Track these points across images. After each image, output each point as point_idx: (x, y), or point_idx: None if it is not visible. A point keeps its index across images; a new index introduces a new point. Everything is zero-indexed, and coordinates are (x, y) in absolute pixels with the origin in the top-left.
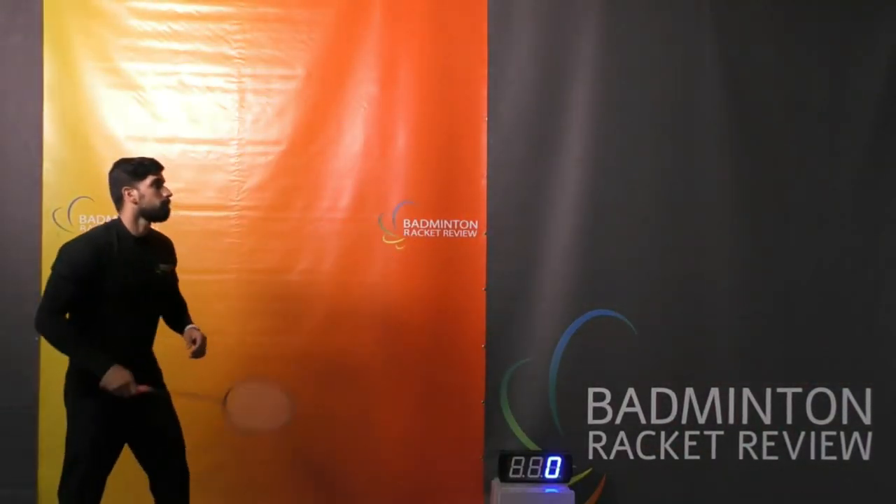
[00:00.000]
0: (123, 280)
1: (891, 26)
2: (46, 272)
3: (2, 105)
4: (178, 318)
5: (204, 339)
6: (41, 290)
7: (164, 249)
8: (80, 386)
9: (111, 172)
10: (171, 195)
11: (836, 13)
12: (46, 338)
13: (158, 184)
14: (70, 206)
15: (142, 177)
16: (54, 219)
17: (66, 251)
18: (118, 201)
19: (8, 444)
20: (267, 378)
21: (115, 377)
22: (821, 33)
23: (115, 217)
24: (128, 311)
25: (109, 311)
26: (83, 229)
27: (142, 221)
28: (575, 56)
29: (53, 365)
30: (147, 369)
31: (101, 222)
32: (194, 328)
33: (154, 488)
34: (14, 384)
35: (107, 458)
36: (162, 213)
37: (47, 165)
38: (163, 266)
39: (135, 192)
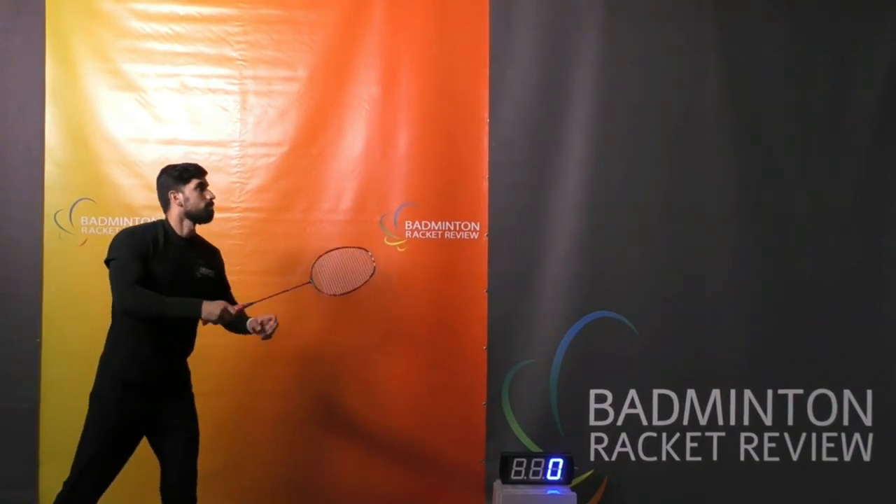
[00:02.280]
0: (167, 275)
1: (893, 28)
2: (48, 273)
3: (4, 106)
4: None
5: (274, 325)
6: (42, 291)
7: (209, 254)
8: (109, 381)
9: (158, 178)
10: (214, 198)
11: (837, 15)
12: (137, 313)
13: (202, 187)
14: (72, 207)
15: (186, 181)
16: (56, 220)
17: (122, 239)
18: (165, 204)
19: (9, 445)
20: (337, 247)
21: (212, 309)
22: (823, 35)
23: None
24: None
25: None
26: (84, 231)
27: (187, 223)
28: (576, 58)
29: (54, 365)
30: (176, 371)
31: (103, 224)
32: (259, 319)
33: (163, 486)
34: (15, 384)
35: (123, 447)
36: (206, 214)
37: (49, 167)
38: (203, 270)
39: (180, 196)
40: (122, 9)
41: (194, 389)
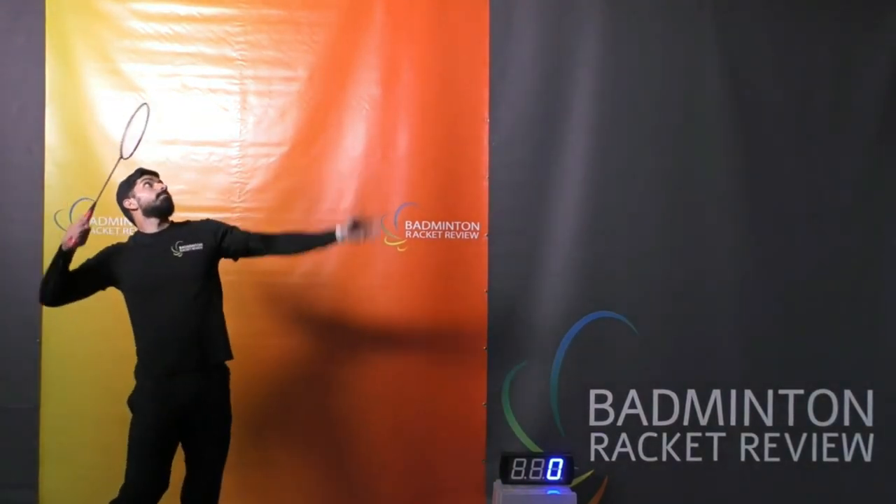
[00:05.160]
0: (136, 269)
1: (893, 26)
2: None
3: (4, 107)
4: (284, 243)
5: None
6: None
7: (190, 232)
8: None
9: (116, 196)
10: (165, 188)
11: (838, 13)
12: (44, 286)
13: (150, 182)
14: (72, 207)
15: (133, 184)
16: (56, 221)
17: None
18: (128, 215)
19: (9, 445)
20: None
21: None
22: (823, 33)
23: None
24: (160, 300)
25: (143, 305)
26: None
27: (151, 220)
28: (577, 57)
29: (54, 365)
30: (199, 356)
31: (103, 224)
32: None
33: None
34: (15, 385)
35: (162, 451)
36: (162, 204)
37: (49, 167)
38: (184, 248)
39: (133, 200)
40: (122, 9)
41: None
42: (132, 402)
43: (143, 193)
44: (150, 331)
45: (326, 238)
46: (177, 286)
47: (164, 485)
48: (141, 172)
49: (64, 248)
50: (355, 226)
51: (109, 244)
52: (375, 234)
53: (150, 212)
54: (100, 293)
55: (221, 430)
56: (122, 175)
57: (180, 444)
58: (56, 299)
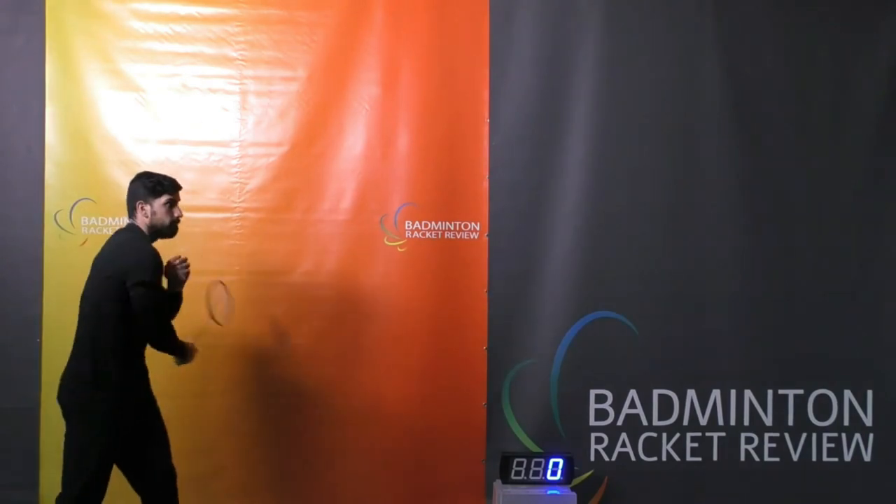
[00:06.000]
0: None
1: (893, 26)
2: (48, 273)
3: (4, 107)
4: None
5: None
6: (43, 292)
7: None
8: (86, 401)
9: (131, 183)
10: (181, 216)
11: (838, 13)
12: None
13: (172, 203)
14: (72, 207)
15: (157, 195)
16: (56, 220)
17: (156, 261)
18: (131, 210)
19: (9, 446)
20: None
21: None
22: (824, 33)
23: (130, 221)
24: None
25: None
26: (84, 231)
27: (151, 235)
28: (576, 57)
29: (55, 366)
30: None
31: (103, 224)
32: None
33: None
34: (15, 385)
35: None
36: (170, 230)
37: (49, 167)
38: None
39: (147, 208)
40: (122, 9)
41: (195, 390)
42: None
43: (161, 211)
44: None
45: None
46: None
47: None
48: (171, 187)
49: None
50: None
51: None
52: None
53: (156, 230)
54: None
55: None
56: (133, 172)
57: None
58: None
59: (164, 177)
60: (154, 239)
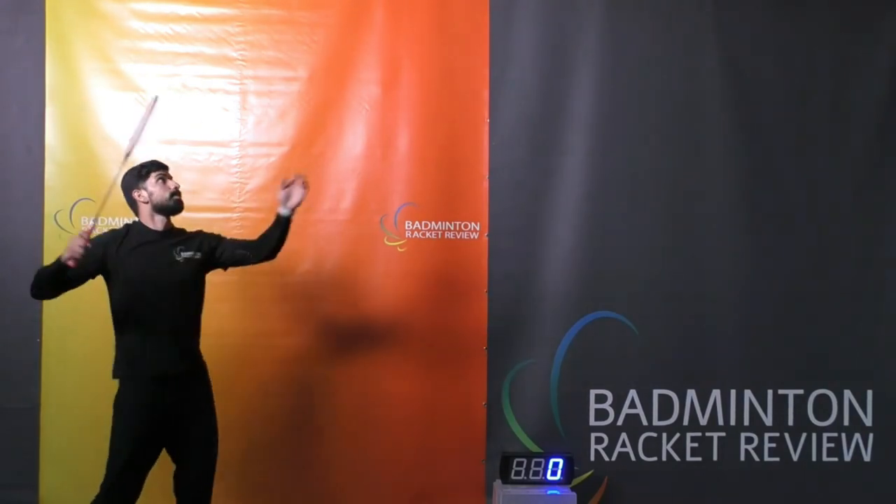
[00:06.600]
0: (139, 267)
1: (893, 26)
2: None
3: (5, 107)
4: (259, 244)
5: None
6: None
7: (190, 240)
8: (127, 390)
9: (122, 182)
10: (178, 187)
11: (838, 13)
12: (36, 286)
13: (163, 178)
14: (72, 207)
15: (146, 177)
16: (56, 221)
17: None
18: (133, 205)
19: (9, 445)
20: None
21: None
22: (824, 33)
23: (135, 220)
24: (159, 301)
25: (140, 303)
26: None
27: (159, 218)
28: (577, 57)
29: (54, 365)
30: (190, 361)
31: (103, 224)
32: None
33: (176, 490)
34: (15, 384)
35: (146, 455)
36: (173, 204)
37: (49, 167)
38: (185, 254)
39: (144, 192)
40: (122, 9)
41: None
42: (118, 404)
43: (157, 189)
44: (139, 330)
45: (278, 223)
46: (174, 290)
47: (139, 491)
48: (155, 165)
49: (64, 263)
50: (287, 196)
51: (94, 240)
52: (303, 194)
53: (160, 209)
54: (98, 294)
55: (211, 422)
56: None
57: (165, 449)
58: (46, 297)
59: (146, 161)
60: (166, 218)
